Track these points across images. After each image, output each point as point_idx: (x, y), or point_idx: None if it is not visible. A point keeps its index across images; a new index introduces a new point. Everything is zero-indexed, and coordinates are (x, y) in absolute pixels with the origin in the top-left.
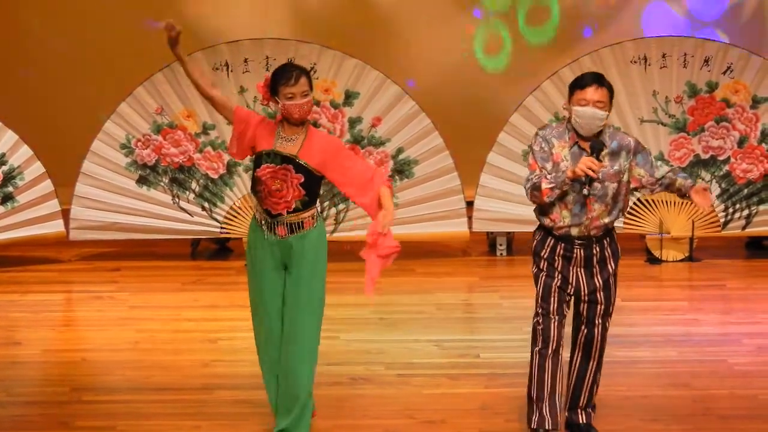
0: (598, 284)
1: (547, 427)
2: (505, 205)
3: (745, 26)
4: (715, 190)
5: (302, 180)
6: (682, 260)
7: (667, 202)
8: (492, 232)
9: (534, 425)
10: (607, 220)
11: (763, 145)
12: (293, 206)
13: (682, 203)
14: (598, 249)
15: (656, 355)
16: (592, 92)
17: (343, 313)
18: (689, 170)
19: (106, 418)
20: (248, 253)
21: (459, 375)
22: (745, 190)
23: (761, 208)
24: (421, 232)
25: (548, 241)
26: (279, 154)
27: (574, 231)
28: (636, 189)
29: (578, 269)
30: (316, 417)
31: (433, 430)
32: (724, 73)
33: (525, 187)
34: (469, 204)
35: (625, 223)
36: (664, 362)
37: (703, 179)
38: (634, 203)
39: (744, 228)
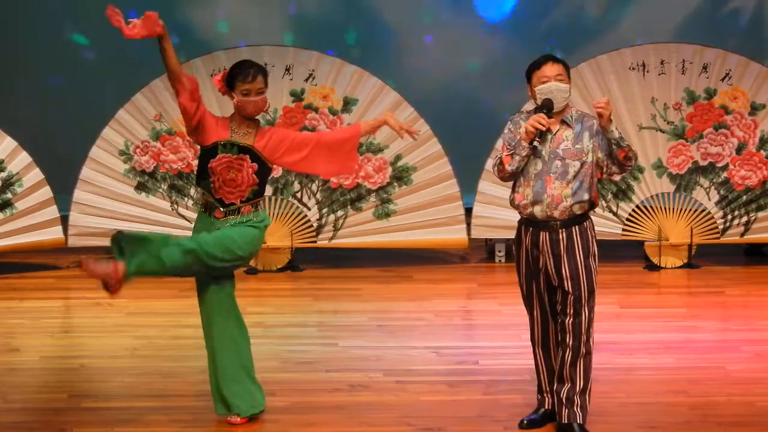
0: (565, 274)
1: (546, 407)
2: (504, 211)
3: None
4: (714, 196)
5: (256, 169)
6: (680, 267)
7: (665, 209)
8: (491, 239)
9: (536, 405)
10: (570, 202)
11: (762, 151)
12: (246, 195)
13: (681, 209)
14: (564, 236)
15: (654, 361)
16: (549, 68)
17: (341, 320)
18: (688, 177)
19: (104, 425)
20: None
21: (457, 382)
22: (744, 197)
23: (760, 214)
24: (420, 239)
25: (521, 229)
26: (236, 144)
27: (538, 210)
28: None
29: (547, 258)
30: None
31: None
32: (723, 79)
33: (492, 167)
34: (468, 211)
35: (623, 230)
36: (663, 369)
37: (701, 186)
38: (633, 210)
39: (743, 235)
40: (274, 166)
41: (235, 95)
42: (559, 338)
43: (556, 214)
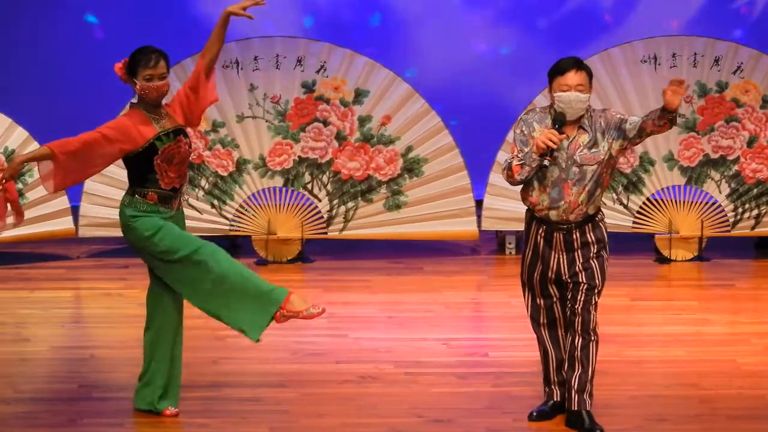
0: (578, 267)
1: (555, 399)
2: (515, 203)
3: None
4: (725, 189)
5: (189, 144)
6: (691, 260)
7: (676, 201)
8: (501, 231)
9: (545, 397)
10: (586, 205)
11: None
12: (186, 172)
13: (692, 202)
14: (578, 234)
15: (664, 354)
16: (572, 77)
17: (351, 311)
18: (698, 170)
19: (113, 415)
20: (155, 237)
21: (467, 374)
22: (755, 190)
23: None
24: (430, 231)
25: (533, 223)
26: (169, 131)
27: (553, 214)
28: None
29: (559, 254)
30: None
31: (441, 428)
32: (734, 72)
33: (502, 170)
34: (479, 202)
35: (634, 222)
36: (673, 362)
37: (712, 179)
38: (644, 203)
39: (753, 228)
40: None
41: (137, 81)
42: (569, 327)
43: (572, 217)
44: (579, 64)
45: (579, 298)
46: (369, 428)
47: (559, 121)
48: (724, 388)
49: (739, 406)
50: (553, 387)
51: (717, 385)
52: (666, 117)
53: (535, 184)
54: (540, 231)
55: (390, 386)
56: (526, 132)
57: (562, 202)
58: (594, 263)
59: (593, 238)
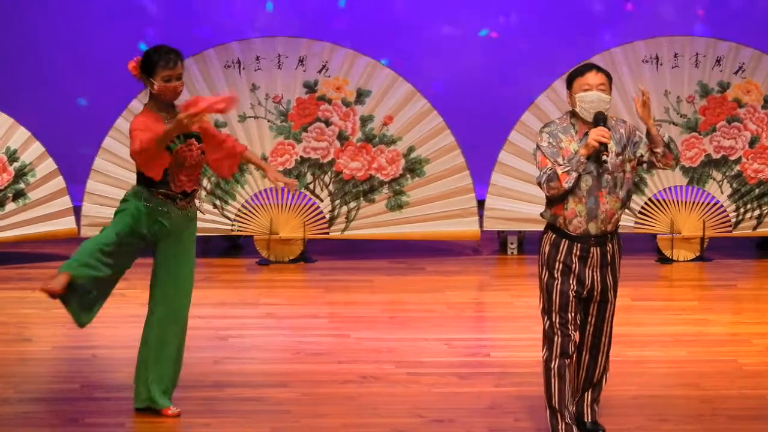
0: (609, 283)
1: None
2: (517, 204)
3: None
4: (726, 189)
5: (202, 149)
6: (692, 260)
7: (678, 201)
8: (503, 231)
9: None
10: (620, 213)
11: None
12: (198, 179)
13: (694, 202)
14: (611, 246)
15: (666, 354)
16: (592, 77)
17: (353, 311)
18: (700, 170)
19: (115, 415)
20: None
21: (469, 374)
22: (757, 190)
23: None
24: (432, 231)
25: (562, 243)
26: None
27: (593, 227)
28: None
29: (594, 270)
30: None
31: (442, 428)
32: (736, 73)
33: (540, 184)
34: (481, 203)
35: (636, 222)
36: (674, 362)
37: (714, 179)
38: (645, 203)
39: (755, 228)
40: None
41: (155, 82)
42: (590, 347)
43: (609, 227)
44: (598, 67)
45: (606, 316)
46: (370, 428)
47: (602, 118)
48: (726, 388)
49: (740, 406)
50: (571, 424)
51: (718, 385)
52: (656, 144)
53: (569, 196)
54: (575, 250)
55: (391, 386)
56: (554, 143)
57: (600, 212)
58: (618, 279)
59: (618, 249)
